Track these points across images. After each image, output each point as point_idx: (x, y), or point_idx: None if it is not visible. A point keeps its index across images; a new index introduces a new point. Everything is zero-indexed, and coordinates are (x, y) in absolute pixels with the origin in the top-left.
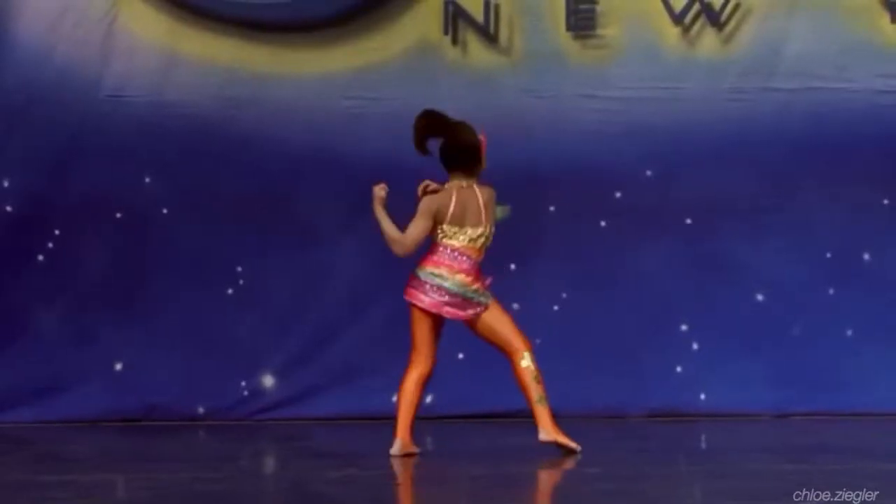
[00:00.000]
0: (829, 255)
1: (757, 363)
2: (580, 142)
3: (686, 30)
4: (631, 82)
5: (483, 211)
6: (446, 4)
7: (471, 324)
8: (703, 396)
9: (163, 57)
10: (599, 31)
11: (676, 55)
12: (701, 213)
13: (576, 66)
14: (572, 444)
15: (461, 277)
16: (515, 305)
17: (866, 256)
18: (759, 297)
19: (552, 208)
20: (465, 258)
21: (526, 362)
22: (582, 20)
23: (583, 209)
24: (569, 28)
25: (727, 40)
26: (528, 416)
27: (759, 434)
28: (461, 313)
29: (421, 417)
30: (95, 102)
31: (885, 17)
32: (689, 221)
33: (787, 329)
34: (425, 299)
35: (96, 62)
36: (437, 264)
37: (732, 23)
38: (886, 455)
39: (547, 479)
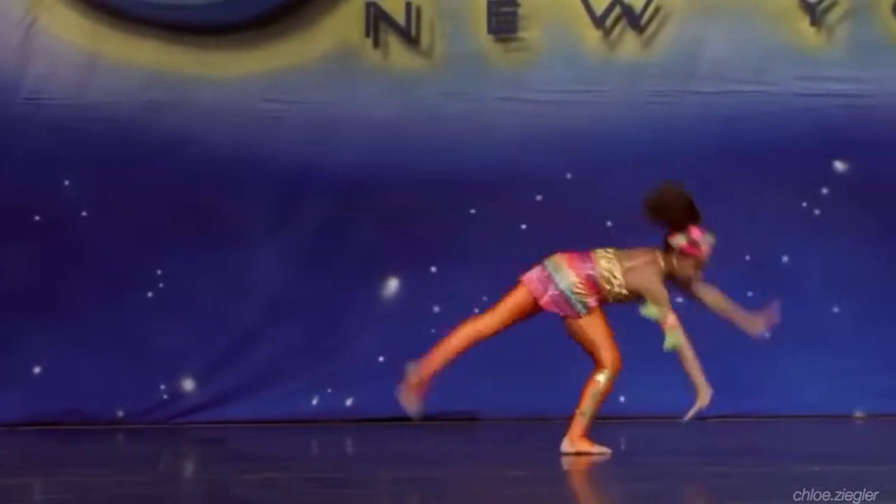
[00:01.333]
0: (748, 258)
1: (676, 366)
2: (501, 144)
3: (607, 32)
4: (552, 85)
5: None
6: (368, 7)
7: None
8: (622, 399)
9: (83, 59)
10: (521, 34)
11: (597, 58)
12: (621, 215)
13: (497, 68)
14: (594, 450)
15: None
16: (436, 308)
17: (785, 259)
18: (679, 300)
19: (473, 211)
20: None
21: (601, 377)
22: (503, 23)
23: (503, 212)
24: (490, 30)
25: (647, 43)
26: (448, 419)
27: (679, 436)
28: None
29: (342, 420)
30: (14, 105)
31: (805, 20)
32: (609, 224)
33: (706, 332)
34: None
35: (15, 65)
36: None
37: (653, 26)
38: (805, 457)
39: (469, 482)
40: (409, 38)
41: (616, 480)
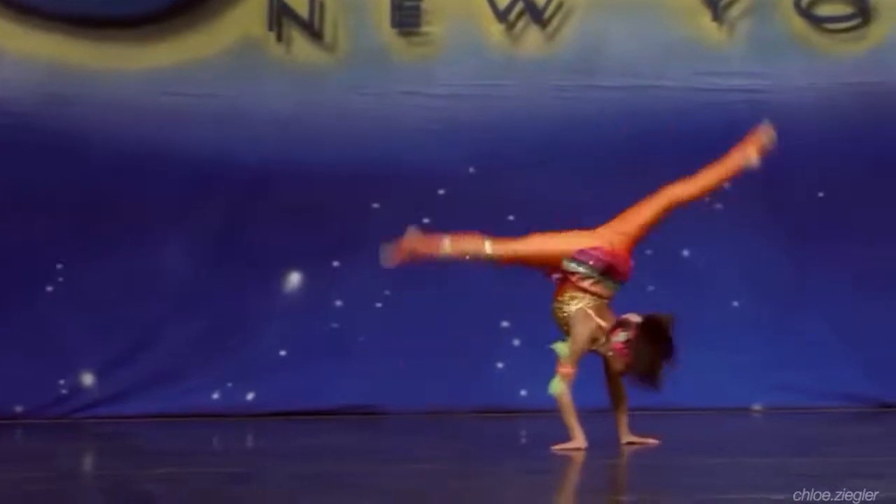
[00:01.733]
0: (648, 251)
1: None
2: (404, 139)
3: (510, 27)
4: (455, 79)
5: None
6: (271, 0)
7: None
8: (523, 392)
9: None
10: (424, 28)
11: (500, 52)
12: (523, 210)
13: (400, 63)
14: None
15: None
16: (339, 302)
17: (685, 253)
18: None
19: (376, 205)
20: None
21: (488, 248)
22: (407, 17)
23: (406, 206)
24: (394, 25)
25: (550, 38)
26: (350, 413)
27: None
28: None
29: (243, 415)
30: None
31: (707, 16)
32: (511, 218)
33: None
34: None
35: None
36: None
37: (556, 21)
38: (702, 449)
39: (371, 475)
40: (313, 31)
41: (517, 473)
